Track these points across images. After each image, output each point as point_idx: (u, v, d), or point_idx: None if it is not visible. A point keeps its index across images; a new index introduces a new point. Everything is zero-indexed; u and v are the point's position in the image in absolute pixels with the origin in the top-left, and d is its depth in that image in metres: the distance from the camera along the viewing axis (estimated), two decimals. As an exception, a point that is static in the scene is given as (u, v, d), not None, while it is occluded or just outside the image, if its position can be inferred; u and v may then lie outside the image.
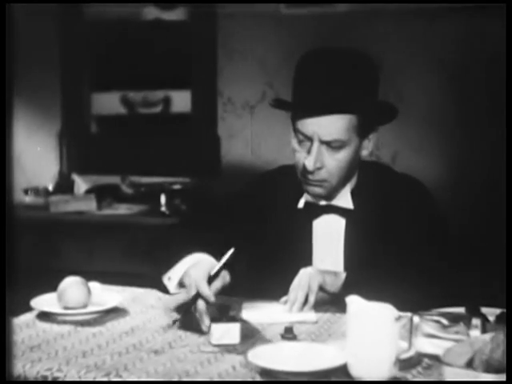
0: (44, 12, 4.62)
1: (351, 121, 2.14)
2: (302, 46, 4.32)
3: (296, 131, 2.17)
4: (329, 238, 2.25)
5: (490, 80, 4.08)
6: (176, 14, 4.72)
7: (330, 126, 2.12)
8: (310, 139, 2.14)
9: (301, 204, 2.28)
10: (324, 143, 2.14)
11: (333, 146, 2.14)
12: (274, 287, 2.16)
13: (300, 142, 2.17)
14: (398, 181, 2.32)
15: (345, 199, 2.25)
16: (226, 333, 1.81)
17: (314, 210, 2.26)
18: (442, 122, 4.23)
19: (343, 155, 2.16)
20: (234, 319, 1.83)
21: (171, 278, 2.07)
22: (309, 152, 2.15)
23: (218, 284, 1.93)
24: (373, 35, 4.25)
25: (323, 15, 4.31)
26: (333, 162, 2.16)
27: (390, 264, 2.16)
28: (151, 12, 4.74)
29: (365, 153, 2.22)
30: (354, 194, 2.25)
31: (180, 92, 4.77)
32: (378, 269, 2.15)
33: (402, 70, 4.23)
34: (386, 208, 2.25)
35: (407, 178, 2.34)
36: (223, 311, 1.84)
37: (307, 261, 2.23)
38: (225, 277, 1.96)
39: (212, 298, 1.89)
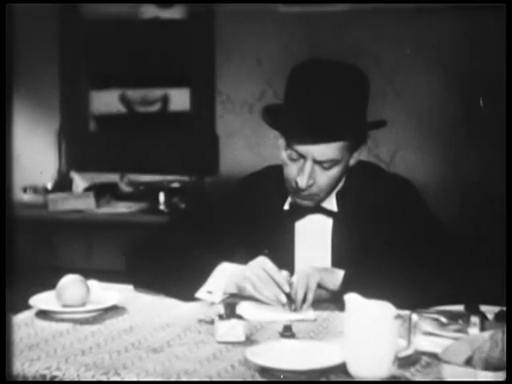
0: (43, 11, 4.61)
1: (345, 142, 2.16)
2: (301, 44, 4.33)
3: (288, 146, 2.17)
4: (315, 238, 2.27)
5: (489, 79, 4.08)
6: (174, 13, 4.71)
7: (324, 148, 2.14)
8: (303, 157, 2.15)
9: (286, 206, 2.30)
10: (317, 162, 2.15)
11: (325, 164, 2.16)
12: None
13: (291, 158, 2.18)
14: (386, 180, 2.34)
15: (329, 202, 2.27)
16: (231, 330, 1.81)
17: (299, 212, 2.28)
18: (440, 121, 4.23)
19: (335, 171, 2.19)
20: (240, 317, 1.83)
21: (213, 291, 2.13)
22: (301, 169, 2.17)
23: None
24: (371, 34, 4.25)
25: (322, 14, 4.30)
26: (324, 179, 2.19)
27: (384, 263, 2.16)
28: (149, 10, 4.74)
29: (352, 162, 2.23)
30: (338, 196, 2.27)
31: (178, 90, 4.76)
32: (373, 264, 2.15)
33: (400, 69, 4.23)
34: (374, 208, 2.26)
35: (396, 178, 2.36)
36: (231, 309, 1.84)
37: (292, 260, 2.27)
38: (287, 276, 2.10)
39: (287, 288, 2.04)
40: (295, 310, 2.04)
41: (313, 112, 2.12)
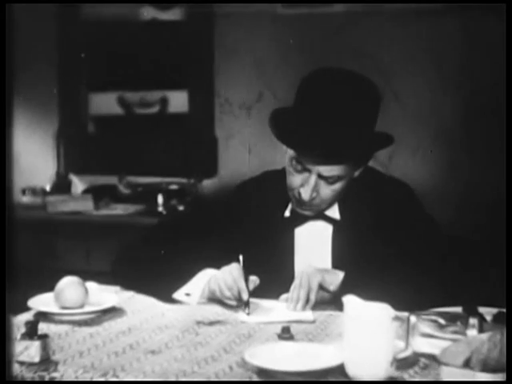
0: (42, 12, 4.62)
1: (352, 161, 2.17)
2: (299, 46, 4.33)
3: (294, 159, 2.17)
4: (315, 243, 2.27)
5: (488, 80, 4.09)
6: (173, 15, 4.71)
7: (331, 166, 2.14)
8: (309, 171, 2.15)
9: (287, 213, 2.29)
10: (322, 177, 2.15)
11: (330, 180, 2.16)
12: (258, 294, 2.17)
13: (296, 169, 2.18)
14: (384, 184, 2.34)
15: (332, 209, 2.27)
16: (26, 350, 1.71)
17: (301, 218, 2.27)
18: (438, 122, 4.23)
19: (339, 186, 2.19)
20: (41, 337, 1.74)
21: (191, 294, 2.16)
22: (305, 182, 2.16)
23: (250, 285, 2.11)
24: (369, 35, 4.25)
25: (320, 15, 4.31)
26: (328, 192, 2.19)
27: (383, 265, 2.17)
28: (148, 12, 4.74)
29: (356, 174, 2.23)
30: (340, 204, 2.27)
31: (177, 92, 4.76)
32: (374, 269, 2.16)
33: (398, 70, 4.23)
34: (374, 214, 2.26)
35: (393, 181, 2.36)
36: (31, 328, 1.73)
37: (292, 266, 2.27)
38: (255, 280, 2.13)
39: (246, 296, 2.06)
40: (248, 314, 2.05)
41: (326, 135, 2.11)
